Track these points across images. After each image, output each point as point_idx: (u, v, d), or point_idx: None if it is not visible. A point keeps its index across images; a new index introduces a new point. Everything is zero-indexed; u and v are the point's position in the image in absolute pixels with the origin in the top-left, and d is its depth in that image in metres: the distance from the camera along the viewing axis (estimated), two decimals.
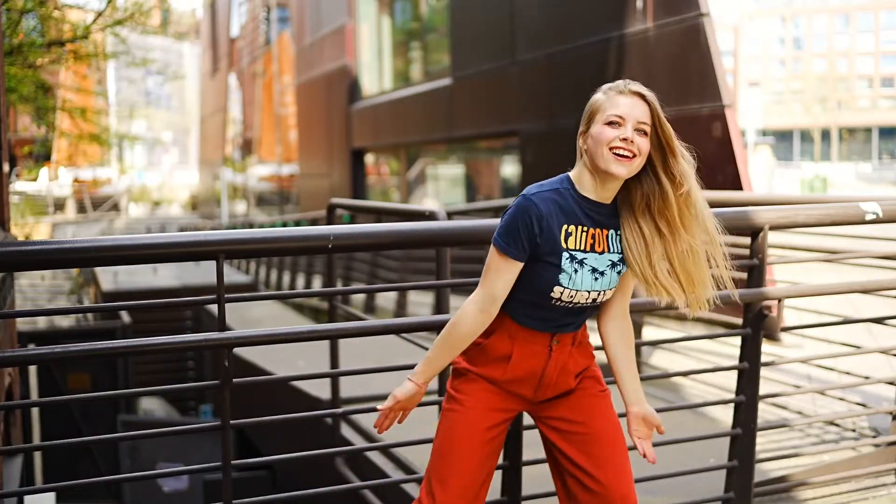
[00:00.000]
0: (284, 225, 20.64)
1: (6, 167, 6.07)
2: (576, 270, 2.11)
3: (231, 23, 40.73)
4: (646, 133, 2.10)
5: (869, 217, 3.36)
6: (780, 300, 3.32)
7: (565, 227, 2.12)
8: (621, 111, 2.08)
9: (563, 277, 2.11)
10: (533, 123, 11.62)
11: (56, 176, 35.37)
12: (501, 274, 2.14)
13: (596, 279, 2.14)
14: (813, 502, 3.56)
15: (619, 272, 2.18)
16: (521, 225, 2.09)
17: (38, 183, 33.66)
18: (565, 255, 2.11)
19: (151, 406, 13.64)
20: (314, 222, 14.74)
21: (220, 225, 33.08)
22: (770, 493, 3.54)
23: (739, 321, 3.33)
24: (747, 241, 3.31)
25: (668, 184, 2.12)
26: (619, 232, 2.17)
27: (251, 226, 25.30)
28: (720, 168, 7.78)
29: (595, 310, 2.27)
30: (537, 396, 2.28)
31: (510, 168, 14.11)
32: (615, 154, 2.07)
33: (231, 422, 2.66)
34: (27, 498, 4.63)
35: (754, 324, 3.23)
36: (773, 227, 3.26)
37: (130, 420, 9.78)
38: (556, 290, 2.12)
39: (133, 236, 2.57)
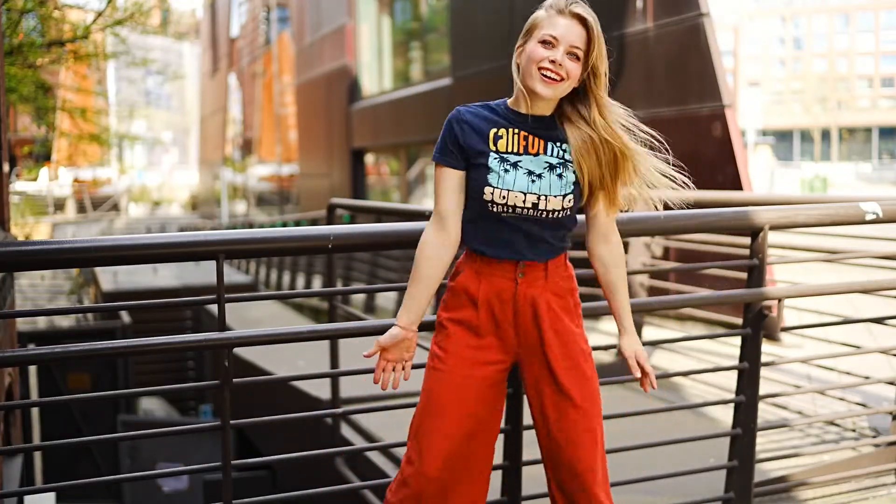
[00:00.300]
0: (284, 225, 20.64)
1: (6, 167, 6.07)
2: (506, 170, 2.12)
3: (231, 23, 40.74)
4: (578, 58, 2.11)
5: (869, 217, 3.36)
6: (780, 300, 3.32)
7: (494, 130, 2.15)
8: (557, 32, 2.10)
9: (491, 177, 2.12)
10: None
11: (56, 176, 35.37)
12: (442, 186, 2.18)
13: (533, 181, 2.13)
14: (813, 502, 3.56)
15: (560, 175, 2.14)
16: (447, 132, 2.17)
17: (38, 183, 33.66)
18: (493, 155, 2.14)
19: (151, 406, 13.65)
20: (314, 222, 14.75)
21: (220, 225, 33.09)
22: (770, 493, 3.54)
23: (739, 321, 3.33)
24: (747, 241, 3.31)
25: (595, 106, 2.15)
26: (559, 143, 2.17)
27: (251, 226, 25.31)
28: (720, 168, 7.78)
29: (557, 230, 2.20)
30: (521, 340, 2.23)
31: None
32: (542, 74, 2.09)
33: (231, 422, 2.66)
34: (27, 498, 4.63)
35: (754, 324, 3.23)
36: (773, 227, 3.26)
37: (130, 420, 9.79)
38: (487, 192, 2.12)
39: (133, 236, 2.57)
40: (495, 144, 2.14)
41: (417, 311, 2.24)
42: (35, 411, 8.47)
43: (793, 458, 3.82)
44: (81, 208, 35.76)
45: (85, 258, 2.51)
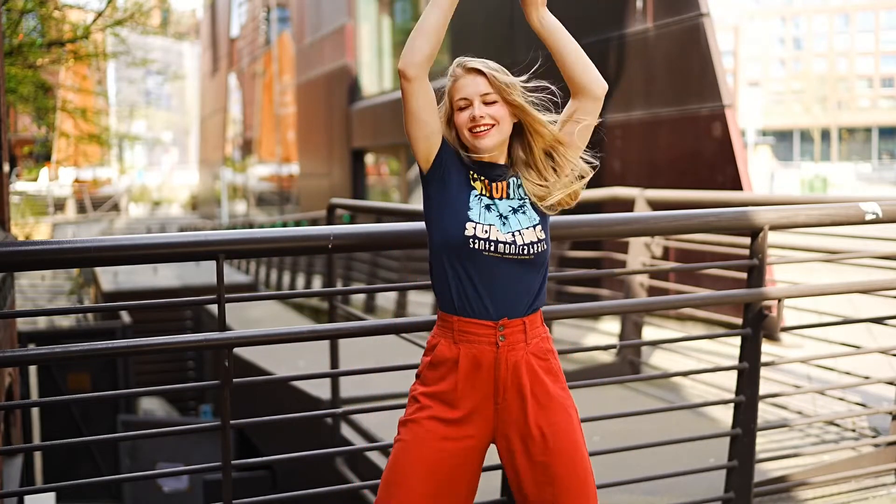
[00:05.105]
0: (284, 225, 20.65)
1: (6, 167, 6.08)
2: (485, 208, 2.17)
3: (231, 23, 40.75)
4: (496, 101, 2.19)
5: (869, 217, 3.37)
6: (780, 300, 3.32)
7: (470, 172, 2.21)
8: (465, 93, 2.19)
9: (472, 213, 2.15)
10: None
11: (56, 176, 35.39)
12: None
13: (503, 223, 2.15)
14: (813, 502, 3.56)
15: (524, 213, 2.18)
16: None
17: (38, 183, 33.67)
18: (474, 192, 2.19)
19: (151, 406, 13.65)
20: (314, 222, 14.75)
21: (220, 225, 33.10)
22: (770, 493, 3.54)
23: (739, 321, 3.33)
24: (747, 241, 3.31)
25: (529, 133, 2.22)
26: (517, 180, 2.22)
27: (251, 226, 25.31)
28: (720, 168, 7.78)
29: (537, 273, 2.18)
30: (500, 413, 2.16)
31: None
32: (474, 133, 2.17)
33: (231, 422, 2.66)
34: (27, 498, 4.63)
35: (754, 324, 3.23)
36: (773, 227, 3.26)
37: (130, 420, 9.79)
38: (469, 227, 2.13)
39: (133, 236, 2.57)
40: (473, 183, 2.20)
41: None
42: (35, 411, 8.48)
43: (793, 458, 3.82)
44: (81, 208, 35.77)
45: (85, 258, 2.51)
